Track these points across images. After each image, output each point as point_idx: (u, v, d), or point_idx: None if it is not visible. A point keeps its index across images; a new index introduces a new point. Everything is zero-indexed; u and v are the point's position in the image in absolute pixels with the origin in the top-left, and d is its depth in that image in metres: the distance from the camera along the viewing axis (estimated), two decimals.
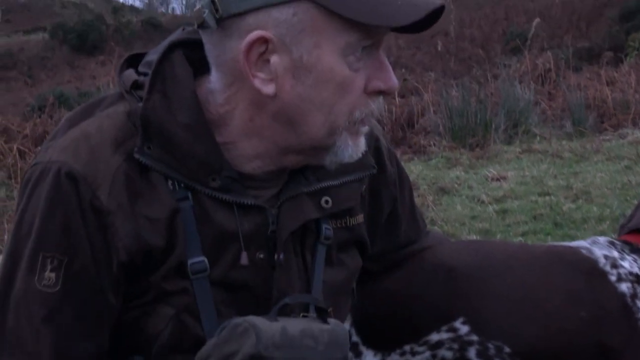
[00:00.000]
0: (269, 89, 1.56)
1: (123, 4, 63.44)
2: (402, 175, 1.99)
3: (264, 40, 1.53)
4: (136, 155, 1.57)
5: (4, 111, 18.01)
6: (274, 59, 1.54)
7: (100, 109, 1.66)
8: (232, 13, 1.53)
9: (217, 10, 1.53)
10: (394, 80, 1.61)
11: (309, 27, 1.53)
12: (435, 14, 1.56)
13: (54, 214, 1.55)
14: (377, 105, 1.63)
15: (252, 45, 1.53)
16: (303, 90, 1.56)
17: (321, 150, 1.64)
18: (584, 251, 2.01)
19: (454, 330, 1.98)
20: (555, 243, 2.18)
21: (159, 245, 1.59)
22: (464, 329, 1.97)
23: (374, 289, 2.04)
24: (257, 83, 1.56)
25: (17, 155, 9.19)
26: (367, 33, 1.55)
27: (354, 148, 1.64)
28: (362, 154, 1.69)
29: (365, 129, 1.65)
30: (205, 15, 1.55)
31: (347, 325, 1.98)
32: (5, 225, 6.50)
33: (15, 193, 7.52)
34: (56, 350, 1.57)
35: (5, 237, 6.16)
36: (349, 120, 1.60)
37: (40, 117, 12.86)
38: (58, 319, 1.57)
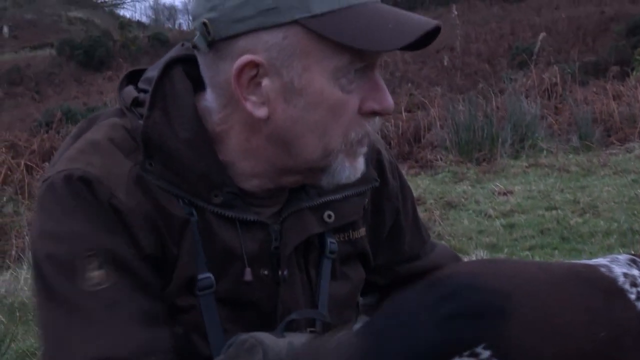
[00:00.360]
0: (261, 112, 1.55)
1: (130, 20, 63.49)
2: (404, 187, 1.98)
3: (254, 64, 1.52)
4: (139, 172, 1.58)
5: (12, 127, 18.07)
6: (265, 82, 1.54)
7: (101, 120, 1.67)
8: (224, 36, 1.53)
9: (208, 32, 1.54)
10: (389, 101, 1.60)
11: (299, 51, 1.52)
12: (432, 33, 1.55)
13: (75, 217, 1.53)
14: (373, 125, 1.62)
15: (242, 69, 1.52)
16: (295, 113, 1.55)
17: (317, 172, 1.63)
18: (602, 269, 1.99)
19: (475, 355, 1.96)
20: (575, 261, 2.15)
21: (172, 252, 1.59)
22: (485, 354, 1.95)
23: None
24: (249, 106, 1.55)
25: (25, 171, 9.21)
26: (358, 56, 1.54)
27: (351, 169, 1.63)
28: (359, 175, 1.67)
29: (363, 150, 1.64)
30: (196, 38, 1.56)
31: None
32: (14, 241, 6.51)
33: (23, 209, 7.53)
34: (142, 342, 1.53)
35: (13, 252, 6.17)
36: (344, 141, 1.59)
37: (47, 132, 12.93)
38: (124, 309, 1.53)
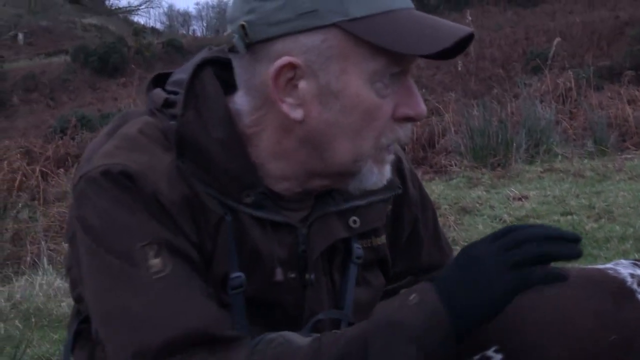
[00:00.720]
0: (296, 113, 1.57)
1: (144, 26, 63.68)
2: (424, 197, 1.99)
3: (292, 66, 1.54)
4: (179, 164, 1.58)
5: (27, 133, 18.16)
6: (302, 84, 1.55)
7: (132, 118, 1.68)
8: (261, 38, 1.54)
9: (246, 35, 1.55)
10: (422, 107, 1.61)
11: (337, 54, 1.53)
12: (464, 41, 1.57)
13: (122, 209, 1.53)
14: (405, 131, 1.64)
15: (280, 70, 1.54)
16: (330, 116, 1.57)
17: (346, 176, 1.64)
18: (610, 272, 2.00)
19: (487, 358, 1.96)
20: (583, 266, 2.15)
21: (207, 247, 1.60)
22: (497, 358, 1.95)
23: None
24: (285, 108, 1.56)
25: (40, 177, 9.25)
26: (394, 60, 1.55)
27: (378, 176, 1.65)
28: (385, 182, 1.69)
29: (391, 157, 1.66)
30: (234, 40, 1.56)
31: None
32: (29, 247, 6.52)
33: (38, 214, 7.55)
34: (220, 315, 1.55)
35: (28, 258, 6.18)
36: (375, 146, 1.61)
37: (62, 138, 12.98)
38: (193, 289, 1.54)
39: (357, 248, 1.77)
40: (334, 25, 1.52)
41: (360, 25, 1.52)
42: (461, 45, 1.57)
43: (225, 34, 1.62)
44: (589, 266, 2.16)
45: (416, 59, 1.62)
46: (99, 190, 1.55)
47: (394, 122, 1.61)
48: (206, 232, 1.60)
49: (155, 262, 1.52)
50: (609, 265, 2.04)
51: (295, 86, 1.56)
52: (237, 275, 1.61)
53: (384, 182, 1.68)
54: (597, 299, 1.93)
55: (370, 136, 1.59)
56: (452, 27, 1.57)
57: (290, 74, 1.55)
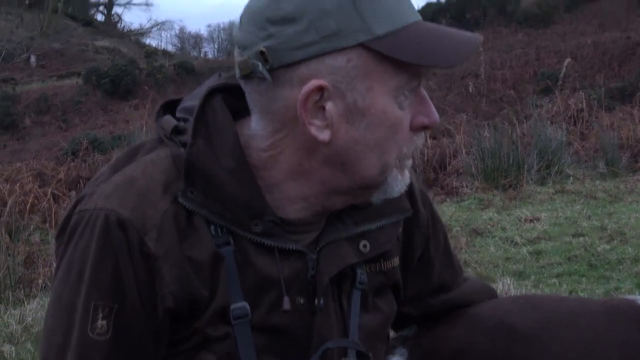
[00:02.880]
0: (324, 135, 1.57)
1: (156, 49, 63.89)
2: (435, 218, 1.99)
3: (320, 89, 1.54)
4: (180, 200, 1.58)
5: (39, 155, 18.20)
6: (329, 105, 1.55)
7: (142, 154, 1.67)
8: (285, 63, 1.54)
9: (267, 60, 1.54)
10: (435, 115, 1.63)
11: (363, 73, 1.54)
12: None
13: (105, 262, 1.56)
14: (420, 139, 1.66)
15: (309, 94, 1.54)
16: (357, 133, 1.57)
17: (370, 189, 1.65)
18: (636, 302, 1.98)
19: None
20: (614, 297, 2.13)
21: (203, 293, 1.60)
22: None
23: (434, 347, 2.00)
24: (313, 130, 1.56)
25: (52, 200, 9.26)
26: (415, 73, 1.57)
27: (401, 182, 1.67)
28: (406, 187, 1.70)
29: (410, 162, 1.67)
30: (259, 67, 1.55)
31: None
32: (41, 269, 6.53)
33: (50, 237, 7.57)
34: None
35: (40, 280, 6.19)
36: (399, 157, 1.62)
37: (74, 161, 13.02)
38: None
39: (361, 274, 1.76)
40: (358, 44, 1.53)
41: (384, 42, 1.53)
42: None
43: (238, 60, 1.60)
44: (620, 296, 2.14)
45: (430, 70, 1.65)
46: (90, 233, 1.58)
47: (412, 132, 1.62)
48: (199, 281, 1.60)
49: (102, 323, 1.56)
50: (637, 297, 2.03)
51: (322, 108, 1.56)
52: (241, 305, 1.61)
53: (405, 187, 1.69)
54: (624, 330, 1.92)
55: (395, 148, 1.61)
56: (465, 36, 1.60)
57: (317, 96, 1.55)
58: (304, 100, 1.54)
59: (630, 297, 2.04)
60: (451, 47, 1.55)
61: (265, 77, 1.56)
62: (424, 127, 1.64)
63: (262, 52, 1.54)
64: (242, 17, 1.61)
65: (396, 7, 1.56)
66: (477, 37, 1.60)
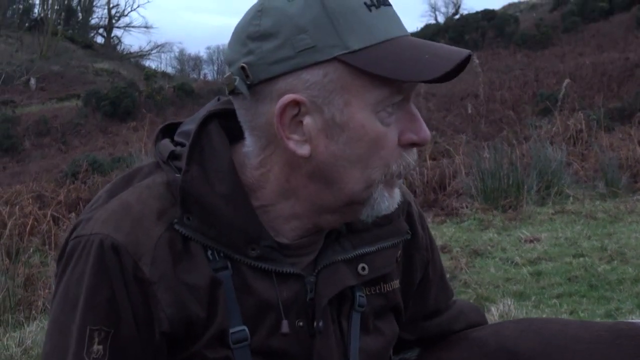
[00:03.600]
0: (303, 150, 1.57)
1: (155, 71, 64.04)
2: (431, 239, 1.99)
3: (296, 103, 1.55)
4: (176, 227, 1.59)
5: (38, 178, 18.19)
6: (307, 120, 1.56)
7: (138, 179, 1.68)
8: (263, 78, 1.55)
9: (247, 76, 1.56)
10: (425, 132, 1.62)
11: (340, 87, 1.54)
12: (462, 63, 1.57)
13: (100, 286, 1.56)
14: (412, 156, 1.64)
15: (284, 108, 1.55)
16: (337, 148, 1.57)
17: (357, 206, 1.64)
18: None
19: None
20: (618, 321, 2.12)
21: (200, 315, 1.60)
22: None
23: None
24: (291, 145, 1.57)
25: (52, 222, 9.25)
26: (397, 88, 1.56)
27: (389, 200, 1.65)
28: (398, 204, 1.69)
29: (400, 180, 1.66)
30: (236, 82, 1.57)
31: None
32: (41, 292, 6.51)
33: (50, 259, 7.56)
34: None
35: (40, 303, 6.18)
36: (385, 173, 1.61)
37: (73, 183, 13.02)
38: None
39: (360, 296, 1.76)
40: (334, 58, 1.53)
41: (360, 56, 1.53)
42: (459, 67, 1.58)
43: (224, 77, 1.63)
44: (626, 320, 2.13)
45: (417, 85, 1.63)
46: (85, 258, 1.58)
47: (401, 149, 1.61)
48: (197, 304, 1.60)
49: (98, 348, 1.56)
50: (638, 320, 2.02)
51: (300, 122, 1.56)
52: (240, 329, 1.61)
53: (395, 205, 1.68)
54: (628, 355, 1.91)
55: (379, 164, 1.59)
56: (449, 51, 1.58)
57: (295, 110, 1.55)
58: (279, 114, 1.55)
59: (635, 320, 2.03)
60: (431, 61, 1.54)
61: (243, 92, 1.57)
62: (414, 144, 1.62)
63: (242, 68, 1.56)
64: (231, 35, 1.64)
65: (377, 23, 1.56)
66: (462, 51, 1.57)
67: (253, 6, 1.61)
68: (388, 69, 1.52)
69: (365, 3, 1.56)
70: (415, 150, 1.65)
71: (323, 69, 1.53)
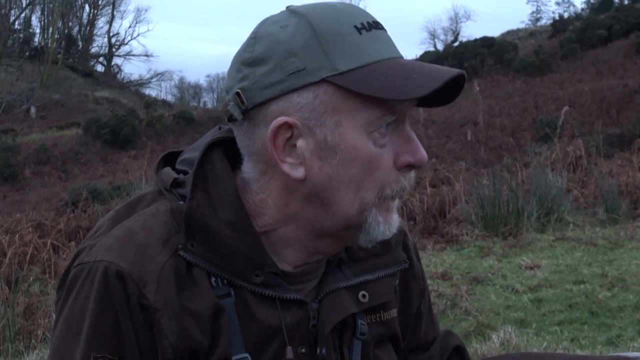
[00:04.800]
0: (298, 172, 1.58)
1: (155, 99, 64.21)
2: (423, 270, 1.99)
3: (288, 126, 1.56)
4: (181, 253, 1.59)
5: (38, 206, 18.17)
6: (300, 142, 1.57)
7: (141, 207, 1.68)
8: (257, 102, 1.57)
9: (242, 102, 1.57)
10: (422, 153, 1.61)
11: (330, 108, 1.55)
12: (458, 84, 1.57)
13: (104, 314, 1.56)
14: (409, 180, 1.64)
15: (277, 131, 1.56)
16: (330, 170, 1.57)
17: (354, 230, 1.64)
18: None
19: None
20: (618, 354, 2.11)
21: (203, 343, 1.59)
22: None
23: None
24: (286, 168, 1.58)
25: (52, 250, 9.24)
26: (388, 109, 1.56)
27: (385, 225, 1.64)
28: (397, 230, 1.69)
29: (395, 203, 1.66)
30: (230, 107, 1.58)
31: None
32: (41, 321, 6.50)
33: (50, 288, 7.54)
34: None
35: (40, 332, 6.16)
36: (379, 196, 1.60)
37: (73, 211, 13.00)
38: None
39: (362, 324, 1.76)
40: (323, 80, 1.54)
41: (348, 77, 1.54)
42: (455, 89, 1.59)
43: (223, 104, 1.65)
44: (627, 353, 2.13)
45: (411, 106, 1.63)
46: (90, 285, 1.58)
47: (397, 171, 1.61)
48: (199, 332, 1.60)
49: None
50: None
51: (294, 145, 1.57)
52: (242, 356, 1.61)
53: (394, 230, 1.67)
54: None
55: (373, 186, 1.59)
56: (440, 70, 1.57)
57: (288, 133, 1.56)
58: (272, 137, 1.56)
59: (633, 354, 2.02)
60: (419, 80, 1.54)
61: (237, 117, 1.59)
62: (410, 166, 1.62)
63: (238, 94, 1.58)
64: (230, 64, 1.66)
65: (367, 45, 1.57)
66: (452, 70, 1.57)
67: (249, 34, 1.63)
68: (375, 88, 1.53)
69: (355, 26, 1.57)
70: (412, 173, 1.65)
71: (313, 91, 1.55)
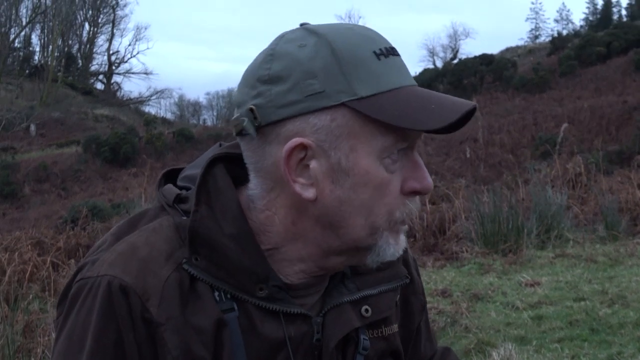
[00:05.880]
0: (309, 193, 1.57)
1: (155, 116, 64.26)
2: (423, 287, 1.99)
3: (303, 147, 1.55)
4: (185, 266, 1.59)
5: (38, 224, 18.18)
6: (313, 164, 1.56)
7: (144, 222, 1.68)
8: (271, 121, 1.56)
9: (255, 118, 1.57)
10: (428, 180, 1.62)
11: (346, 133, 1.55)
12: (468, 114, 1.58)
13: (107, 329, 1.56)
14: (415, 205, 1.64)
15: (292, 151, 1.55)
16: (342, 193, 1.57)
17: (363, 251, 1.64)
18: None
19: None
20: None
21: (206, 358, 1.59)
22: None
23: None
24: (297, 188, 1.57)
25: (51, 268, 9.24)
26: (402, 136, 1.57)
27: (395, 246, 1.64)
28: (402, 252, 1.68)
29: (404, 227, 1.66)
30: (245, 124, 1.58)
31: None
32: (40, 339, 6.49)
33: (49, 306, 7.53)
34: None
35: (39, 350, 6.15)
36: (389, 220, 1.61)
37: (73, 229, 13.00)
38: None
39: (364, 339, 1.76)
40: (341, 104, 1.54)
41: (368, 103, 1.54)
42: (465, 117, 1.59)
43: (232, 118, 1.64)
44: None
45: (422, 134, 1.64)
46: (92, 300, 1.58)
47: (403, 196, 1.61)
48: (202, 347, 1.59)
49: None
50: None
51: (307, 166, 1.57)
52: None
53: (400, 252, 1.67)
54: None
55: (383, 211, 1.60)
56: (455, 102, 1.58)
57: (302, 154, 1.56)
58: (286, 157, 1.56)
59: None
60: (436, 112, 1.54)
61: (250, 133, 1.58)
62: (416, 192, 1.63)
63: (251, 110, 1.57)
64: (241, 78, 1.66)
65: (385, 72, 1.57)
66: (468, 103, 1.58)
67: (264, 50, 1.63)
68: (395, 117, 1.53)
69: (374, 52, 1.58)
70: (417, 198, 1.66)
71: (331, 114, 1.54)
